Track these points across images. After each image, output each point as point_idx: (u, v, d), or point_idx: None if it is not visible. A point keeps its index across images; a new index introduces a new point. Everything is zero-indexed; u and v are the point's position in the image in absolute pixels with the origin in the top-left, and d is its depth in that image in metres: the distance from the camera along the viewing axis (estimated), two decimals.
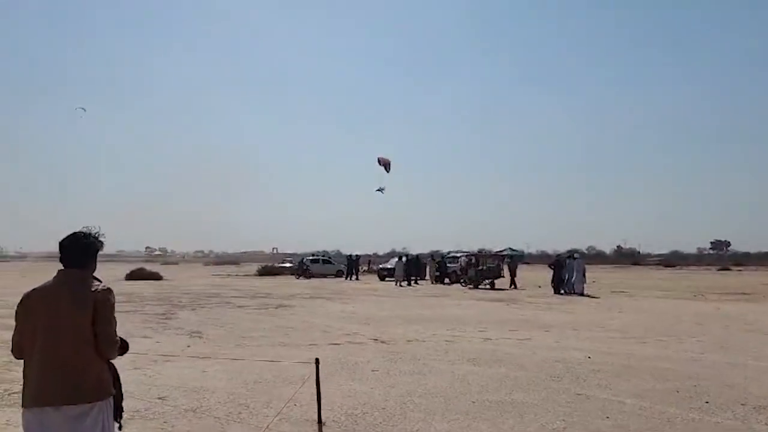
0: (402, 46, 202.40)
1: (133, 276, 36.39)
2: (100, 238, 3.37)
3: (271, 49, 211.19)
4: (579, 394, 7.25)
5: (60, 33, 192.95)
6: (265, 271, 46.43)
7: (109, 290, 3.22)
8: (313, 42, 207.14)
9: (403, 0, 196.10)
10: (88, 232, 3.33)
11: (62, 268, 3.22)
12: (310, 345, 10.99)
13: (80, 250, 3.24)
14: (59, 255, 3.24)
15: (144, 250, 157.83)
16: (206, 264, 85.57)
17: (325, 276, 42.44)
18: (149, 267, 44.84)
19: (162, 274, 39.65)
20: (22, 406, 3.09)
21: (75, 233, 3.28)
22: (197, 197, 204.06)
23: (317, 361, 5.81)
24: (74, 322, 3.05)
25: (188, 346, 10.63)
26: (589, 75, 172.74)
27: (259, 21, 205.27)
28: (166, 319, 15.06)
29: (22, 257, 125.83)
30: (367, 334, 12.51)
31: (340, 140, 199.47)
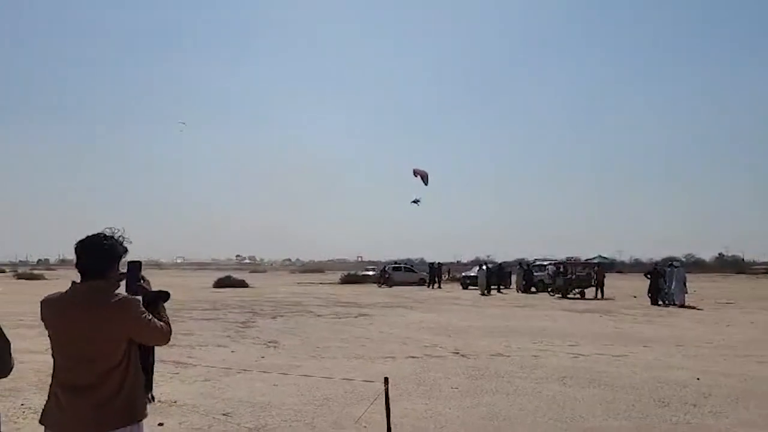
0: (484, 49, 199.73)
1: (220, 284, 37.32)
2: (124, 242, 2.89)
3: (356, 58, 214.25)
4: (689, 423, 6.29)
5: (151, 50, 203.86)
6: (348, 279, 46.51)
7: (129, 300, 2.74)
8: (393, 51, 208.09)
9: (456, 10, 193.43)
10: (109, 233, 2.85)
11: (80, 276, 2.78)
12: (387, 358, 10.45)
13: (98, 255, 2.75)
14: (75, 261, 2.81)
15: (235, 258, 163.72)
16: (292, 272, 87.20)
17: (407, 284, 41.96)
18: (238, 275, 45.97)
19: (249, 281, 40.48)
20: (41, 422, 2.71)
21: (93, 235, 2.81)
22: (286, 206, 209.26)
23: (386, 381, 5.24)
24: (96, 348, 2.61)
25: (262, 357, 10.34)
26: (690, 74, 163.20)
27: (345, 30, 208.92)
28: (245, 327, 14.99)
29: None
30: (447, 347, 11.83)
31: (424, 148, 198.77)
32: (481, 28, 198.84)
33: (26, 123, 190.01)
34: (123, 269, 2.98)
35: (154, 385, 7.76)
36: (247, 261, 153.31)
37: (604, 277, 29.91)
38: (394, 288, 38.74)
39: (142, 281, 3.02)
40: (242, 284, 37.88)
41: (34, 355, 10.23)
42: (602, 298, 27.72)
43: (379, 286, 40.84)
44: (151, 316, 2.76)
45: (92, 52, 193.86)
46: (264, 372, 8.82)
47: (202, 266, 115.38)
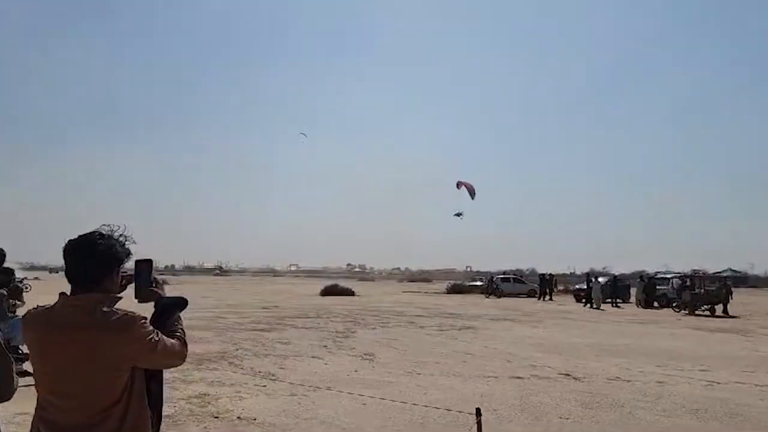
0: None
1: (327, 291, 37.63)
2: (126, 243, 2.30)
3: (464, 66, 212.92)
4: None
5: (269, 63, 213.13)
6: (455, 289, 45.48)
7: (132, 319, 2.12)
8: (509, 58, 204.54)
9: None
10: (107, 232, 2.24)
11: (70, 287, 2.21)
12: (488, 377, 9.53)
13: (92, 259, 2.15)
14: (64, 268, 2.26)
15: (345, 266, 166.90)
16: (400, 281, 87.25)
17: (516, 295, 40.31)
18: (347, 283, 46.31)
19: (356, 290, 40.58)
20: None
21: (86, 234, 2.20)
22: (397, 215, 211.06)
23: (478, 413, 4.43)
24: (89, 381, 2.05)
25: (355, 371, 9.77)
26: None
27: (453, 41, 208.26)
28: (343, 337, 14.56)
29: (242, 272, 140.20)
30: (557, 367, 10.70)
31: (537, 154, 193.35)
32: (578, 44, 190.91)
33: (148, 134, 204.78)
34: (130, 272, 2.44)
35: (237, 399, 7.39)
36: (357, 269, 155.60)
37: (730, 292, 27.01)
38: (502, 299, 37.29)
39: (154, 285, 2.46)
40: (348, 292, 37.99)
41: None
42: (727, 315, 24.99)
43: (486, 297, 39.51)
44: (160, 335, 2.17)
45: (216, 63, 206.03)
46: (354, 389, 8.23)
47: (314, 274, 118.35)
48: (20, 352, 8.43)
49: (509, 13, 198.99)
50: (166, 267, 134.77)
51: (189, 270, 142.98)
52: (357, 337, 14.79)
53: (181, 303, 2.44)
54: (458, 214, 31.85)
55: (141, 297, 2.43)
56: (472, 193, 29.67)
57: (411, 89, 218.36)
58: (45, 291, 32.77)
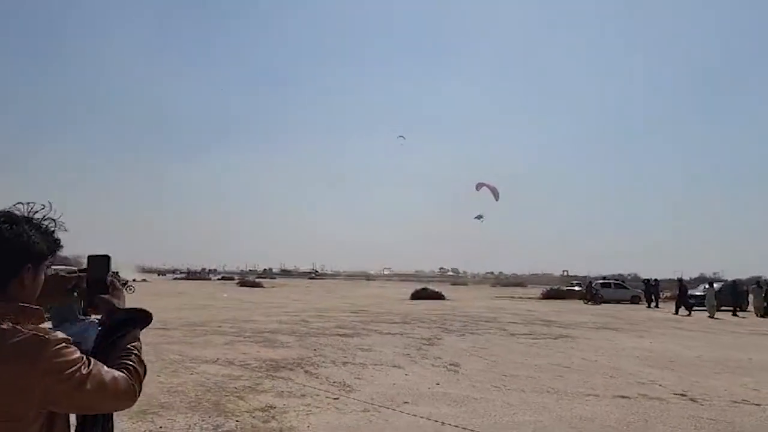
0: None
1: (416, 295, 36.90)
2: (51, 230, 1.63)
3: (553, 70, 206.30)
4: None
5: (364, 70, 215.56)
6: (550, 295, 43.37)
7: (42, 341, 1.41)
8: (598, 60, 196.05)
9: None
10: (20, 213, 1.54)
11: None
12: (588, 395, 8.40)
13: None
14: None
15: (438, 270, 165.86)
16: (493, 285, 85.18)
17: (617, 302, 37.83)
18: (438, 287, 45.40)
19: (447, 294, 39.63)
20: None
21: None
22: (491, 219, 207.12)
23: None
24: None
25: (437, 384, 8.93)
26: None
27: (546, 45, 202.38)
28: (429, 345, 13.74)
29: (336, 275, 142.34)
30: (668, 385, 9.37)
31: (634, 158, 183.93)
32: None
33: (245, 143, 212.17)
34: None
35: (305, 413, 6.77)
36: (450, 273, 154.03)
37: None
38: (603, 306, 35.03)
39: (109, 291, 1.79)
40: (438, 296, 37.08)
41: (208, 365, 9.98)
42: None
43: (585, 303, 37.33)
44: (93, 366, 1.48)
45: (305, 71, 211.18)
46: (433, 407, 7.41)
47: (406, 278, 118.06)
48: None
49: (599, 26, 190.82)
50: (264, 270, 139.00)
51: (285, 273, 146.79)
52: (443, 344, 13.92)
53: (141, 318, 1.75)
54: (479, 217, 30.23)
55: (89, 306, 1.78)
56: (495, 194, 28.07)
57: (500, 96, 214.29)
58: (148, 292, 34.12)
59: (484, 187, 27.77)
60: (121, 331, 1.69)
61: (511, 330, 17.80)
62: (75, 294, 1.79)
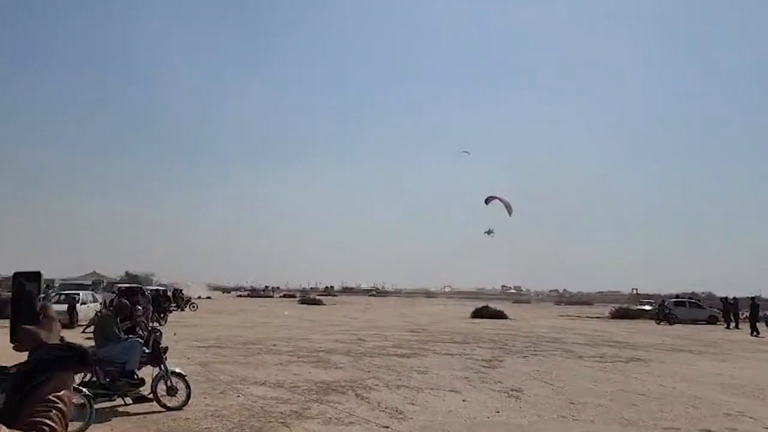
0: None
1: (477, 314, 35.93)
2: None
3: (616, 79, 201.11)
4: None
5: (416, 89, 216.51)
6: (619, 314, 41.42)
7: None
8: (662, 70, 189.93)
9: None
10: None
11: None
12: (668, 429, 7.53)
13: None
14: None
15: (500, 288, 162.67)
16: (557, 303, 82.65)
17: (693, 322, 35.67)
18: (500, 305, 44.21)
19: (509, 313, 38.41)
20: None
21: None
22: (553, 235, 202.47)
23: None
24: None
25: (497, 412, 8.24)
26: None
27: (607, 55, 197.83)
28: (489, 367, 13.00)
29: (397, 293, 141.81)
30: (761, 418, 8.34)
31: (703, 170, 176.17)
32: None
33: (303, 161, 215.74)
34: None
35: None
36: (513, 291, 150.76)
37: None
38: (677, 326, 33.05)
39: (38, 319, 1.33)
40: (500, 315, 35.92)
41: (257, 387, 9.61)
42: None
43: (658, 323, 35.35)
44: None
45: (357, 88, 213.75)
46: None
47: (467, 295, 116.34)
48: (136, 377, 8.02)
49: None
50: (326, 287, 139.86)
51: (347, 291, 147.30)
52: (505, 367, 13.15)
53: (73, 358, 1.27)
54: (488, 232, 28.52)
55: (17, 339, 1.32)
56: (509, 209, 26.54)
57: (560, 107, 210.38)
58: (210, 310, 34.49)
59: (496, 201, 26.57)
60: (42, 374, 1.22)
61: (578, 352, 16.78)
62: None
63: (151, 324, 9.73)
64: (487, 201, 26.76)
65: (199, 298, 66.98)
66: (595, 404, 9.02)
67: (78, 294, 24.29)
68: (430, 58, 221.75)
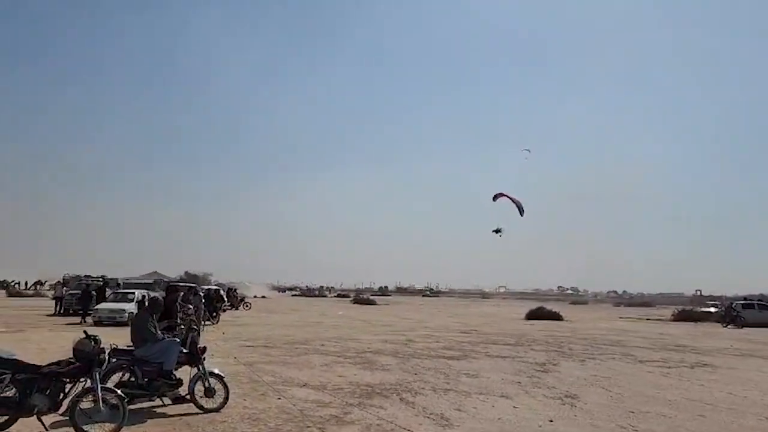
0: None
1: (532, 315, 34.96)
2: None
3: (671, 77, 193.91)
4: None
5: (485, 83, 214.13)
6: (683, 316, 39.57)
7: None
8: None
9: None
10: None
11: None
12: None
13: None
14: None
15: (557, 288, 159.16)
16: (617, 305, 79.89)
17: (763, 325, 33.66)
18: (556, 306, 43.02)
19: (565, 314, 37.26)
20: None
21: None
22: (613, 234, 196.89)
23: None
24: None
25: (550, 421, 7.69)
26: None
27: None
28: (542, 371, 12.39)
29: (451, 293, 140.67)
30: None
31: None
32: None
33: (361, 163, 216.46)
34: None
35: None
36: (569, 292, 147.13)
37: None
38: (745, 330, 31.25)
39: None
40: (556, 317, 34.85)
41: (298, 389, 9.35)
42: None
43: (724, 326, 33.57)
44: None
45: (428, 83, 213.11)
46: None
47: (522, 296, 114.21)
48: (173, 377, 7.85)
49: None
50: (380, 288, 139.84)
51: (401, 291, 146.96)
52: (559, 371, 12.51)
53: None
54: (497, 231, 26.64)
55: None
56: (520, 209, 24.85)
57: (618, 109, 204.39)
58: (263, 309, 34.88)
59: (505, 199, 24.99)
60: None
61: (639, 356, 15.91)
62: None
63: (189, 324, 9.57)
64: (495, 198, 25.36)
65: (255, 297, 68.05)
66: (658, 414, 8.35)
67: (133, 292, 24.80)
68: (481, 56, 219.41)
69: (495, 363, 13.54)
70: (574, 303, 79.60)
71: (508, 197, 25.00)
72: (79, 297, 26.49)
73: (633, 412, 8.40)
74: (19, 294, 58.97)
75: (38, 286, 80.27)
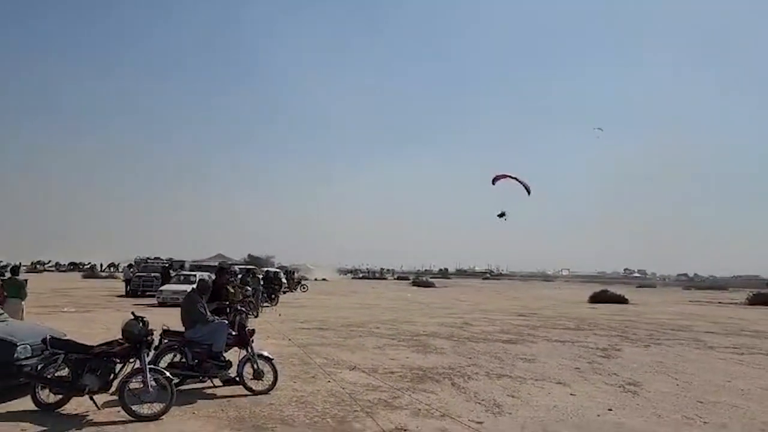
0: None
1: (595, 298, 33.92)
2: None
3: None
4: None
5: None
6: (758, 300, 37.45)
7: None
8: None
9: None
10: None
11: None
12: None
13: None
14: None
15: (623, 271, 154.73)
16: (686, 288, 76.76)
17: None
18: (621, 290, 41.68)
19: (630, 297, 35.99)
20: None
21: None
22: (678, 217, 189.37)
23: None
24: None
25: (609, 410, 7.29)
26: None
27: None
28: (604, 356, 11.89)
29: (511, 276, 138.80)
30: None
31: None
32: None
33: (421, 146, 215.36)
34: None
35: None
36: (636, 275, 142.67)
37: None
38: None
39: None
40: (621, 300, 33.68)
41: (349, 372, 9.26)
42: None
43: None
44: None
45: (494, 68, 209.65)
46: None
47: (586, 279, 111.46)
48: (222, 359, 7.87)
49: None
50: (440, 270, 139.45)
51: (461, 273, 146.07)
52: (622, 356, 11.97)
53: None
54: (501, 215, 24.50)
55: None
56: (527, 188, 22.95)
57: (697, 78, 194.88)
58: (322, 291, 35.24)
59: (509, 180, 23.00)
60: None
61: (709, 342, 15.08)
62: None
63: (239, 306, 9.60)
64: (494, 181, 23.54)
65: (315, 279, 69.01)
66: (729, 404, 7.81)
67: (195, 275, 25.41)
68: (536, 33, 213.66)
69: (553, 348, 13.10)
70: (640, 286, 76.95)
71: (512, 177, 23.51)
72: (146, 279, 27.64)
73: (701, 402, 7.89)
74: (93, 276, 61.68)
75: (111, 269, 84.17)
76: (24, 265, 56.71)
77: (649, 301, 37.39)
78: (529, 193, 23.17)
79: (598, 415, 6.98)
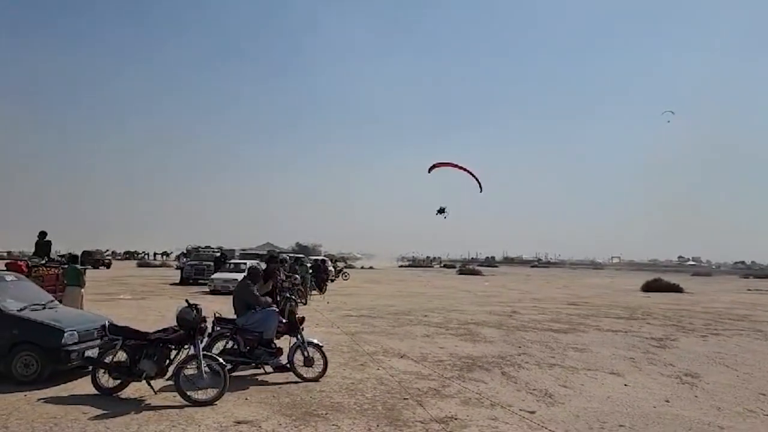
0: None
1: (648, 287, 33.02)
2: None
3: None
4: None
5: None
6: None
7: None
8: None
9: None
10: None
11: None
12: None
13: None
14: None
15: (677, 259, 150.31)
16: (744, 276, 73.97)
17: None
18: (677, 278, 40.50)
19: (685, 286, 34.95)
20: None
21: None
22: (733, 201, 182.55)
23: None
24: None
25: (666, 401, 7.09)
26: None
27: None
28: (659, 347, 11.57)
29: (560, 264, 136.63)
30: None
31: None
32: None
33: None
34: None
35: (490, 428, 5.62)
36: (691, 263, 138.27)
37: None
38: None
39: None
40: (675, 288, 32.73)
41: (398, 360, 9.27)
42: None
43: None
44: None
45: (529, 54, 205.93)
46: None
47: (638, 267, 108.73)
48: (273, 346, 7.99)
49: None
50: (486, 258, 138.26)
51: (508, 261, 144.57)
52: (678, 347, 11.63)
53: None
54: (441, 211, 22.17)
55: None
56: (479, 183, 20.88)
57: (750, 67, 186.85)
58: (368, 279, 35.33)
59: (450, 168, 20.49)
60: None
61: None
62: None
63: (289, 294, 9.72)
64: (430, 170, 21.01)
65: (362, 268, 69.45)
66: None
67: (245, 263, 25.88)
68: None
69: (605, 337, 12.82)
70: (695, 274, 74.58)
71: (459, 167, 21.30)
72: (198, 267, 28.46)
73: (763, 395, 7.60)
74: (147, 264, 63.61)
75: (164, 257, 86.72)
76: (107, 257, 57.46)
77: (704, 290, 36.23)
78: (481, 189, 21.71)
79: (654, 407, 6.80)
